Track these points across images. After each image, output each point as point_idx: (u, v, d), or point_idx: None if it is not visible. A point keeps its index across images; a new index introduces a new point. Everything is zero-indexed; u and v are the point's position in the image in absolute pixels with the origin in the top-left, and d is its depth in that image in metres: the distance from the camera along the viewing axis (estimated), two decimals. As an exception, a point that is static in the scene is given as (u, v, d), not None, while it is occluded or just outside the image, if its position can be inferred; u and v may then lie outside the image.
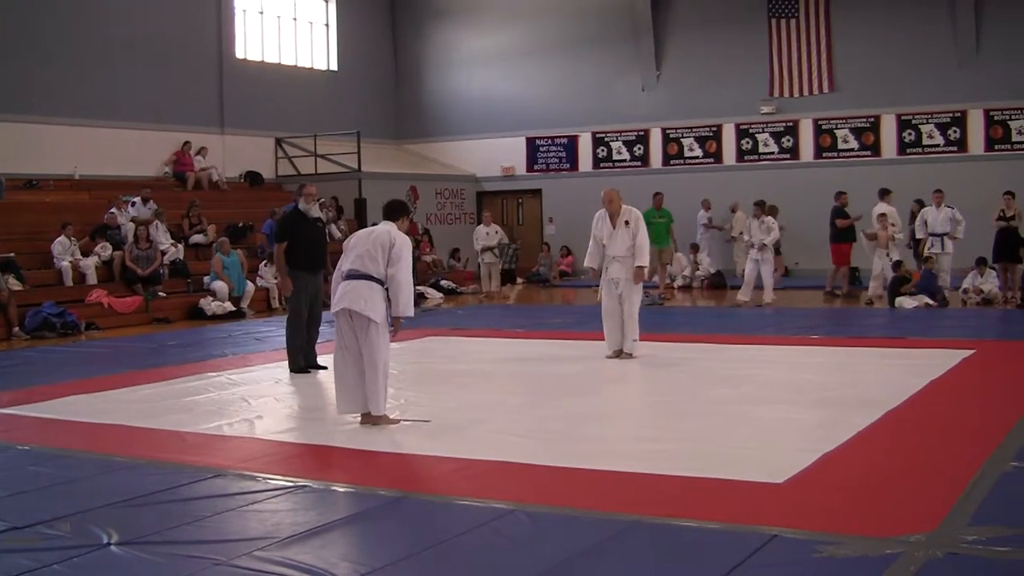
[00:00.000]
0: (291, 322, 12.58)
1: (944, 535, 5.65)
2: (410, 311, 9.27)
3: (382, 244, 9.20)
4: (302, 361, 12.51)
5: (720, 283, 24.39)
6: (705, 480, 7.02)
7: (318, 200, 13.79)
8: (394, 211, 9.60)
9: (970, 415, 9.19)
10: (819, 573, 5.20)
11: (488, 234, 25.33)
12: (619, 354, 12.58)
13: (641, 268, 12.63)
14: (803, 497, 6.61)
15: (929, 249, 20.36)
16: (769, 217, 20.27)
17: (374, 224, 9.84)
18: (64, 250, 19.84)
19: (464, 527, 6.06)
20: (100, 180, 24.20)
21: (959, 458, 7.43)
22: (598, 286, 12.86)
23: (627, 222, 12.56)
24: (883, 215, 20.52)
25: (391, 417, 9.29)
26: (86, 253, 20.33)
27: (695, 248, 25.66)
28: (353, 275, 9.20)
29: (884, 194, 21.09)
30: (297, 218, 12.69)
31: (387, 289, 9.14)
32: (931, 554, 5.34)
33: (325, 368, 12.55)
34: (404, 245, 9.24)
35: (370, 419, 9.19)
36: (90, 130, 24.25)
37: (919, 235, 20.85)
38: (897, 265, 19.67)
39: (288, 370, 12.48)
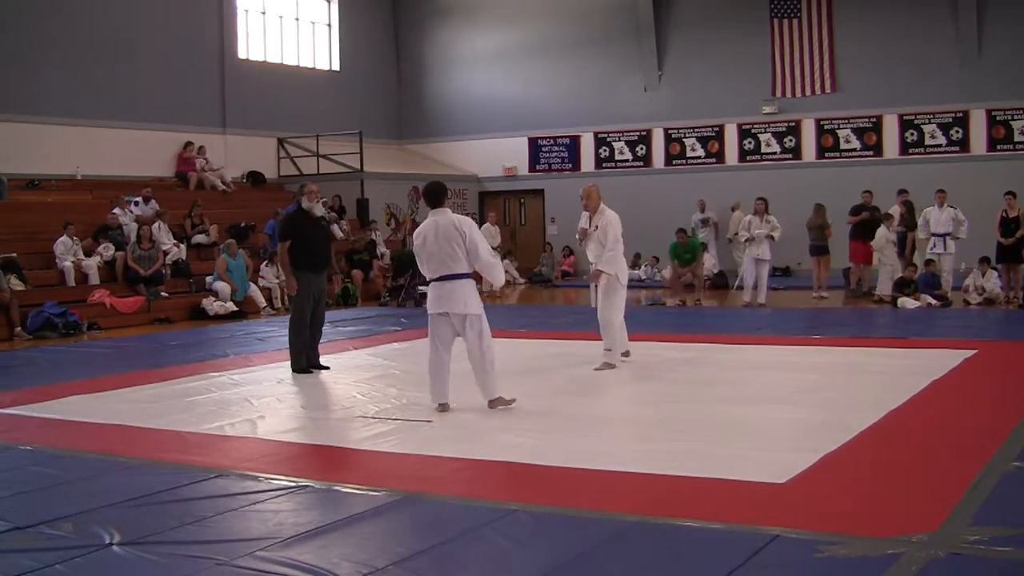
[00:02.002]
0: (294, 322, 12.57)
1: (946, 535, 5.64)
2: (500, 281, 10.63)
3: (454, 240, 9.54)
4: (305, 361, 12.51)
5: (722, 283, 24.38)
6: (707, 480, 7.02)
7: (320, 199, 13.76)
8: (439, 196, 9.85)
9: (972, 415, 9.19)
10: (821, 573, 5.19)
11: (492, 234, 25.41)
12: (626, 354, 12.50)
13: (600, 272, 12.11)
14: (805, 497, 6.61)
15: (931, 250, 20.35)
16: (772, 216, 20.29)
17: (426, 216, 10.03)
18: (66, 250, 19.85)
19: (466, 527, 6.07)
20: (102, 180, 24.23)
21: (961, 458, 7.43)
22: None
23: (597, 225, 12.02)
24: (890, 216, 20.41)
25: (506, 398, 9.77)
26: (88, 253, 20.34)
27: (704, 248, 25.62)
28: (443, 278, 9.57)
29: (901, 193, 21.06)
30: (301, 217, 12.68)
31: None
32: (933, 554, 5.34)
33: (328, 368, 12.58)
34: (471, 228, 9.70)
35: (494, 404, 9.70)
36: (92, 130, 24.27)
37: (921, 235, 20.82)
38: (928, 263, 19.69)
39: (291, 370, 12.47)
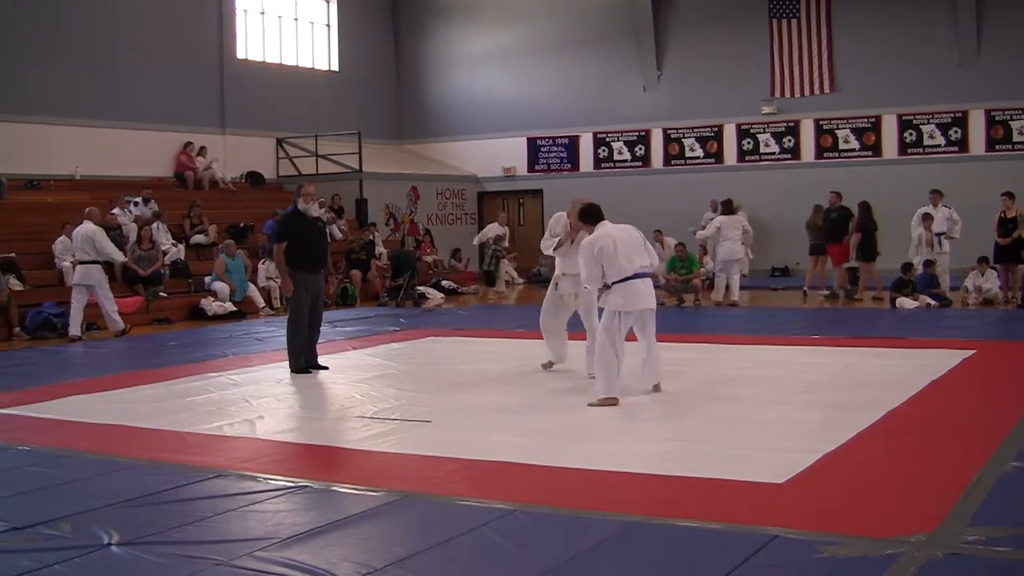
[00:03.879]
0: (292, 322, 12.57)
1: (945, 535, 5.65)
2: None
3: (639, 240, 10.36)
4: (303, 361, 12.51)
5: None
6: (706, 480, 7.02)
7: (317, 200, 13.75)
8: (600, 212, 10.48)
9: (971, 415, 9.20)
10: (820, 573, 5.20)
11: (499, 234, 25.60)
12: (551, 366, 12.27)
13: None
14: (804, 497, 6.62)
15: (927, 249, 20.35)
16: (743, 217, 20.52)
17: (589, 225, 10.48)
18: (65, 250, 19.81)
19: (465, 527, 6.06)
20: (101, 180, 24.19)
21: (960, 458, 7.43)
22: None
23: (573, 240, 11.61)
24: (928, 215, 20.28)
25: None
26: (87, 253, 20.31)
27: (704, 250, 25.47)
28: (640, 275, 10.16)
29: (934, 193, 21.05)
30: (297, 218, 12.68)
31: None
32: (932, 554, 5.34)
33: (326, 368, 12.59)
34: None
35: (658, 387, 10.56)
36: (91, 130, 24.26)
37: (915, 235, 20.80)
38: (927, 264, 19.67)
39: (289, 370, 12.48)
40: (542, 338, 12.28)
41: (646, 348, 10.51)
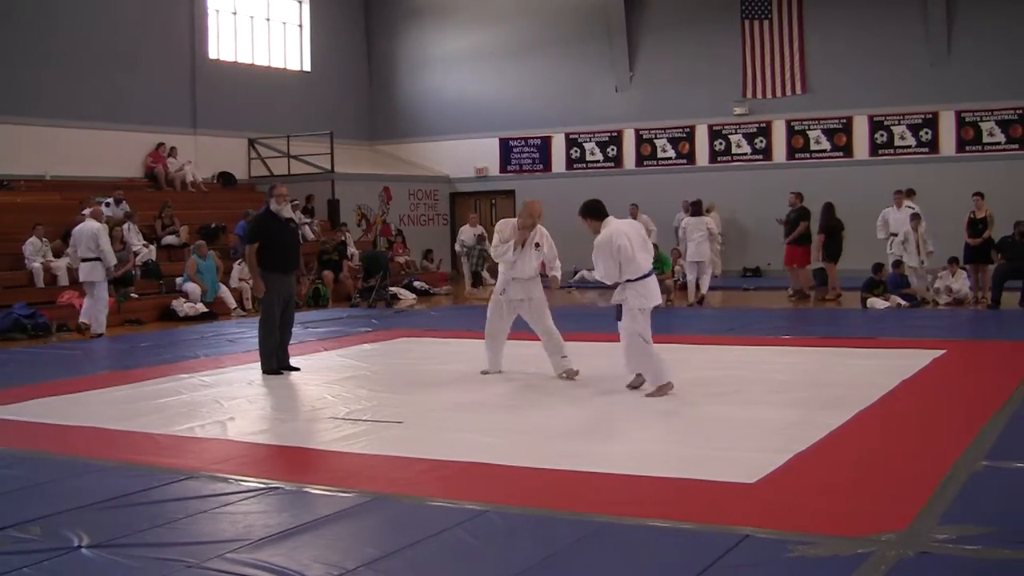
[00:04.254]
0: (264, 324, 12.53)
1: (915, 534, 5.68)
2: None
3: (644, 236, 10.62)
4: (275, 363, 12.48)
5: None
6: (678, 480, 7.04)
7: (291, 201, 13.72)
8: (604, 208, 10.59)
9: (941, 414, 9.25)
10: (791, 572, 5.22)
11: (475, 236, 25.46)
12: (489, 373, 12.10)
13: (557, 277, 12.15)
14: (775, 497, 6.64)
15: (891, 250, 20.45)
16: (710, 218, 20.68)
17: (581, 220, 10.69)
18: (35, 251, 19.74)
19: (436, 528, 6.05)
20: (72, 181, 24.08)
21: (930, 457, 7.47)
22: (577, 286, 12.52)
23: (537, 243, 11.74)
24: (916, 215, 20.31)
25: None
26: (57, 254, 20.21)
27: (678, 253, 25.23)
28: (651, 272, 10.49)
29: (910, 194, 21.11)
30: (269, 219, 12.64)
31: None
32: (902, 553, 5.37)
33: (298, 370, 12.55)
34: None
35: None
36: (62, 131, 24.15)
37: (880, 235, 20.90)
38: (896, 264, 19.76)
39: (261, 372, 12.44)
40: (514, 339, 12.25)
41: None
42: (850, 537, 5.65)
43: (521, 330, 12.18)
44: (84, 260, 17.44)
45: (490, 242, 12.01)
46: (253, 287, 13.12)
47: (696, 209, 21.27)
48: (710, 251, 21.07)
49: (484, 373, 12.08)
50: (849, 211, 21.55)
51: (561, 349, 11.73)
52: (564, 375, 11.60)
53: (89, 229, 17.48)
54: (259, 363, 12.60)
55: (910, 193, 21.20)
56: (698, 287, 20.57)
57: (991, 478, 6.96)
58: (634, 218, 22.70)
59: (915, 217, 20.01)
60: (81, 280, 17.72)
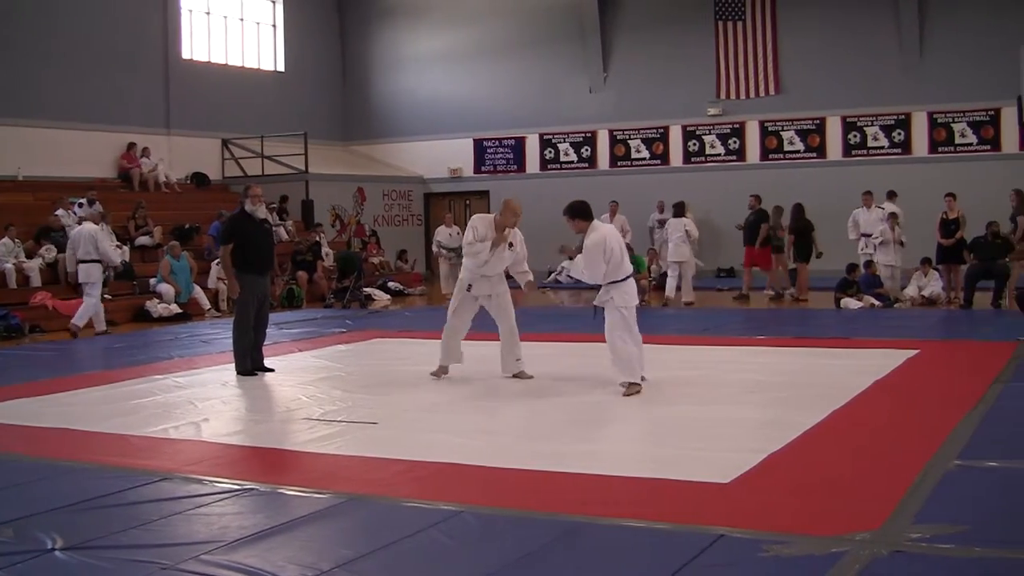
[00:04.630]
0: (238, 324, 12.50)
1: (889, 533, 5.70)
2: None
3: (622, 239, 11.05)
4: (249, 363, 12.44)
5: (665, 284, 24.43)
6: (652, 480, 7.06)
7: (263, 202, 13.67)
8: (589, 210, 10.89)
9: (914, 414, 9.27)
10: (766, 572, 5.23)
11: (451, 235, 25.39)
12: (446, 372, 11.98)
13: (532, 281, 12.15)
14: (749, 496, 6.66)
15: (862, 250, 20.55)
16: (688, 219, 20.76)
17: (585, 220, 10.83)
18: (7, 252, 19.63)
19: (411, 529, 6.05)
20: (44, 181, 23.94)
21: (903, 457, 7.50)
22: (551, 287, 12.53)
23: (511, 244, 11.53)
24: (894, 215, 20.44)
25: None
26: (30, 255, 20.12)
27: (654, 254, 25.15)
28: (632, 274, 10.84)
29: (891, 196, 21.17)
30: (243, 220, 12.62)
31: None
32: (876, 552, 5.39)
33: (272, 370, 12.53)
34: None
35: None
36: (34, 130, 24.00)
37: (851, 236, 21.00)
38: (868, 264, 19.84)
39: (235, 373, 12.40)
40: (489, 339, 12.21)
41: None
42: (824, 536, 5.67)
43: (484, 330, 12.18)
44: (82, 262, 17.57)
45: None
46: (228, 288, 13.07)
47: (678, 210, 21.30)
48: (689, 252, 21.07)
49: (440, 371, 11.93)
50: (822, 212, 21.64)
51: (517, 350, 11.71)
52: (515, 376, 11.59)
53: (88, 231, 17.71)
54: (233, 364, 12.57)
55: (891, 195, 21.25)
56: (679, 290, 20.56)
57: (964, 477, 6.99)
58: (614, 215, 22.92)
59: (892, 216, 20.09)
60: (79, 281, 17.84)
